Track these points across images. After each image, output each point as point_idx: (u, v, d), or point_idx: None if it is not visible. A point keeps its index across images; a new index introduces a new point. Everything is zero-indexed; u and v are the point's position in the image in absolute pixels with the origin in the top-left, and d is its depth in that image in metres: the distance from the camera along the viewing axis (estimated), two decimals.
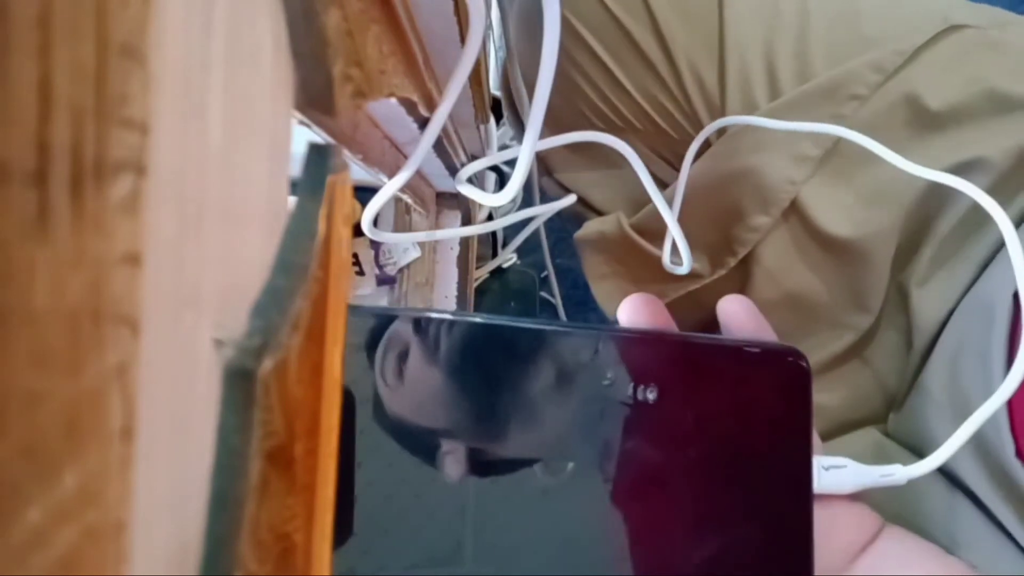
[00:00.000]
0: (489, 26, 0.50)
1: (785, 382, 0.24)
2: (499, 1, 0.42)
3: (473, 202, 0.51)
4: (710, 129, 0.46)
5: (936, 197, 0.42)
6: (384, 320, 0.24)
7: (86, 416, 0.08)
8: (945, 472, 0.42)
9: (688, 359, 0.24)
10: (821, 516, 0.24)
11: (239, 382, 0.12)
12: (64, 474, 0.08)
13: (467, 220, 0.55)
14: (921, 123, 0.42)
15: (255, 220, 0.13)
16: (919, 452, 0.39)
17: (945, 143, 0.41)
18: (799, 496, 0.24)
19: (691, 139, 0.49)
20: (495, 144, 0.69)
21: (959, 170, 0.41)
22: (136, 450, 0.09)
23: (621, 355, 0.23)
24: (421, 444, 0.23)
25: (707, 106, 0.48)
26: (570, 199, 0.42)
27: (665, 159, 0.53)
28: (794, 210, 0.46)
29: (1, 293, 0.07)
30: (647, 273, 0.51)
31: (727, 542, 0.23)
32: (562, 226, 0.96)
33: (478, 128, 0.44)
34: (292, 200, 0.15)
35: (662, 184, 0.52)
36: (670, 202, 0.46)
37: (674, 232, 0.39)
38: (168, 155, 0.10)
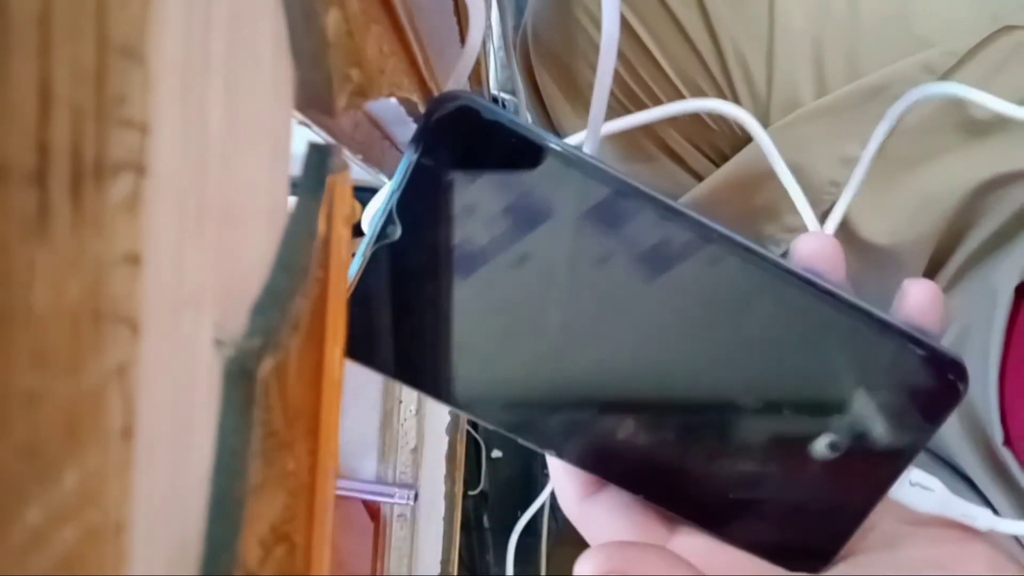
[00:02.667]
0: (489, 26, 0.50)
1: (933, 390, 0.23)
2: (499, 1, 0.42)
3: None
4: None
5: (979, 206, 0.41)
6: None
7: (86, 416, 0.08)
8: (945, 460, 0.42)
9: (858, 322, 0.23)
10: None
11: (239, 382, 0.12)
12: (64, 474, 0.08)
13: None
14: (968, 128, 0.41)
15: (255, 220, 0.13)
16: None
17: (989, 152, 0.40)
18: (871, 492, 0.23)
19: (730, 132, 0.47)
20: None
21: (1004, 181, 0.41)
22: (136, 450, 0.09)
23: (798, 295, 0.22)
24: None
25: (752, 98, 0.47)
26: None
27: (701, 151, 0.52)
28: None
29: (1, 293, 0.07)
30: None
31: (787, 490, 0.23)
32: None
33: None
34: (292, 200, 0.15)
35: (697, 177, 0.51)
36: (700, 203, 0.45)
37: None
38: (168, 155, 0.10)
